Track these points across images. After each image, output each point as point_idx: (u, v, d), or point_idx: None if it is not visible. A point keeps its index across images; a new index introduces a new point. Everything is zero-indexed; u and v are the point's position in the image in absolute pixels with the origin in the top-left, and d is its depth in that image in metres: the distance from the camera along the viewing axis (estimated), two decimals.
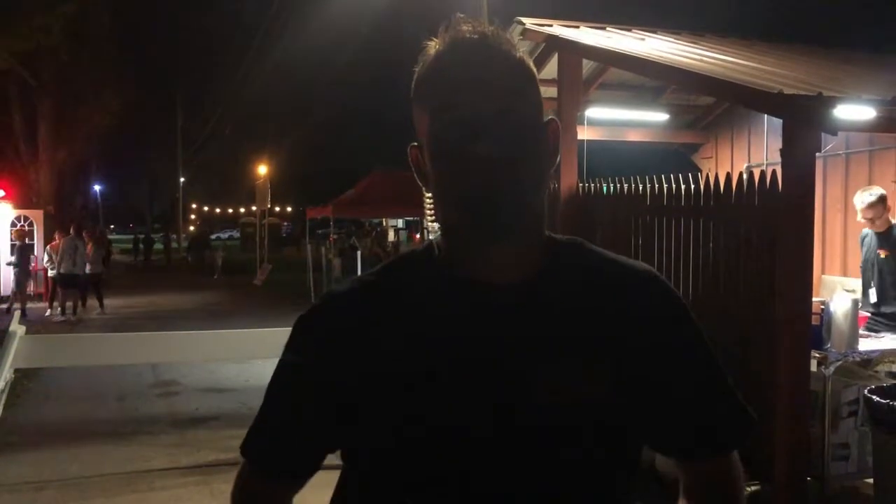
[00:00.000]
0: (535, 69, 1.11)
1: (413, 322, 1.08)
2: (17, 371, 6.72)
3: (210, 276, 24.27)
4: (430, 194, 1.12)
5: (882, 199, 5.42)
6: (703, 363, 1.15)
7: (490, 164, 1.01)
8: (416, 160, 1.13)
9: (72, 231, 15.18)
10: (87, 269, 14.98)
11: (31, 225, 17.63)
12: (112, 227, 39.17)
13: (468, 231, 1.06)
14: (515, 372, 1.03)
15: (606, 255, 1.17)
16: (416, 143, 1.12)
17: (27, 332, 5.99)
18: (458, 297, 1.07)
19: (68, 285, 14.72)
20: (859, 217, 5.58)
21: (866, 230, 5.68)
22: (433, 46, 1.08)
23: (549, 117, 1.12)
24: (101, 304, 15.36)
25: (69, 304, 14.80)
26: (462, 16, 1.09)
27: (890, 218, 5.57)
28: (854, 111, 4.53)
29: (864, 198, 5.46)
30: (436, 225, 1.17)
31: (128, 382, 8.57)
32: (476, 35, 1.06)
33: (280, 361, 1.15)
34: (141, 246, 34.28)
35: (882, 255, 5.49)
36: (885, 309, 5.48)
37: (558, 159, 1.15)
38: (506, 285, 1.07)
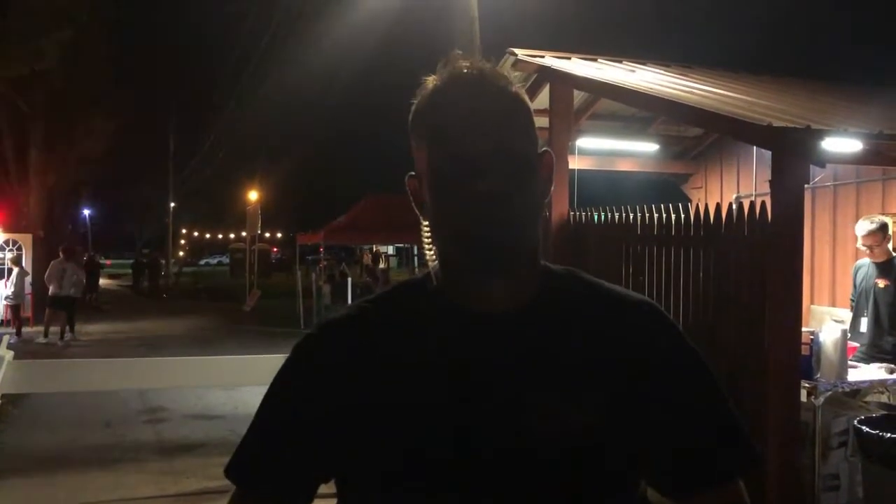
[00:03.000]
0: (530, 104, 1.13)
1: (408, 351, 1.08)
2: (3, 397, 6.65)
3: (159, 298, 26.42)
4: (427, 223, 1.14)
5: (883, 228, 5.41)
6: (705, 392, 1.14)
7: (487, 201, 1.03)
8: (415, 191, 1.15)
9: (60, 255, 15.25)
10: (72, 291, 14.96)
11: (19, 249, 17.55)
12: (108, 255, 39.22)
13: (465, 264, 1.08)
14: (510, 401, 1.04)
15: (602, 285, 1.18)
16: (413, 174, 1.14)
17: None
18: (454, 327, 1.09)
19: (56, 309, 14.73)
20: (859, 243, 5.55)
21: (861, 262, 5.66)
22: (431, 81, 1.10)
23: (544, 149, 1.14)
24: (72, 329, 15.33)
25: (56, 328, 14.76)
26: (460, 52, 1.12)
27: (890, 249, 5.52)
28: (842, 143, 4.59)
29: (865, 225, 5.45)
30: (432, 254, 1.18)
31: (115, 409, 8.48)
32: (474, 71, 1.09)
33: (272, 385, 1.15)
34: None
35: (881, 285, 5.42)
36: (878, 340, 5.42)
37: (551, 189, 1.16)
38: (501, 315, 1.08)
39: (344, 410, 1.07)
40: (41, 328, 15.60)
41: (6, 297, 15.38)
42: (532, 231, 1.09)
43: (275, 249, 50.33)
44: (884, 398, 5.18)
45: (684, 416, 1.11)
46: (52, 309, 14.72)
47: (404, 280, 1.24)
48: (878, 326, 5.45)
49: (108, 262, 44.87)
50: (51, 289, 14.60)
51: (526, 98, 1.12)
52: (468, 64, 1.09)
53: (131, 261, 38.84)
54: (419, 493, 1.04)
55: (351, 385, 1.08)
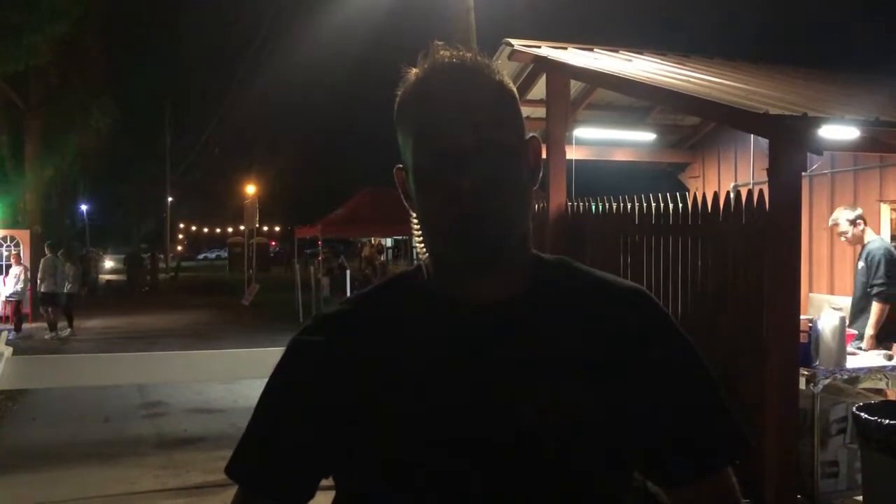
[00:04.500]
0: (515, 91, 1.12)
1: (400, 344, 1.08)
2: (2, 393, 6.66)
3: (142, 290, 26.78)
4: (415, 215, 1.13)
5: (842, 222, 5.89)
6: (695, 380, 1.14)
7: (473, 195, 1.02)
8: (402, 182, 1.14)
9: (47, 251, 15.41)
10: (67, 287, 15.00)
11: (17, 245, 17.53)
12: (106, 249, 39.06)
13: (454, 257, 1.07)
14: (503, 391, 1.04)
15: (593, 274, 1.17)
16: (401, 166, 1.13)
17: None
18: (447, 319, 1.09)
19: (49, 304, 14.81)
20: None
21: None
22: (414, 72, 1.09)
23: (531, 135, 1.13)
24: (70, 324, 15.31)
25: (56, 322, 14.84)
26: (441, 42, 1.10)
27: (863, 235, 5.87)
28: (839, 131, 4.59)
29: (830, 218, 6.13)
30: (422, 246, 1.18)
31: (114, 403, 8.49)
32: (456, 61, 1.07)
33: (269, 381, 1.15)
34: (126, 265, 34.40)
35: (859, 267, 5.83)
36: (859, 315, 5.74)
37: (540, 176, 1.16)
38: (493, 306, 1.08)
39: (340, 405, 1.07)
40: (40, 324, 15.64)
41: (12, 294, 15.40)
42: (520, 222, 1.08)
43: (272, 243, 50.30)
44: (882, 385, 5.19)
45: (675, 404, 1.11)
46: (52, 306, 14.78)
47: (398, 272, 1.23)
48: (857, 302, 5.87)
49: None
50: (44, 286, 14.72)
51: (510, 85, 1.11)
52: (450, 54, 1.08)
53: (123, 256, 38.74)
54: (417, 484, 1.04)
55: (346, 380, 1.08)
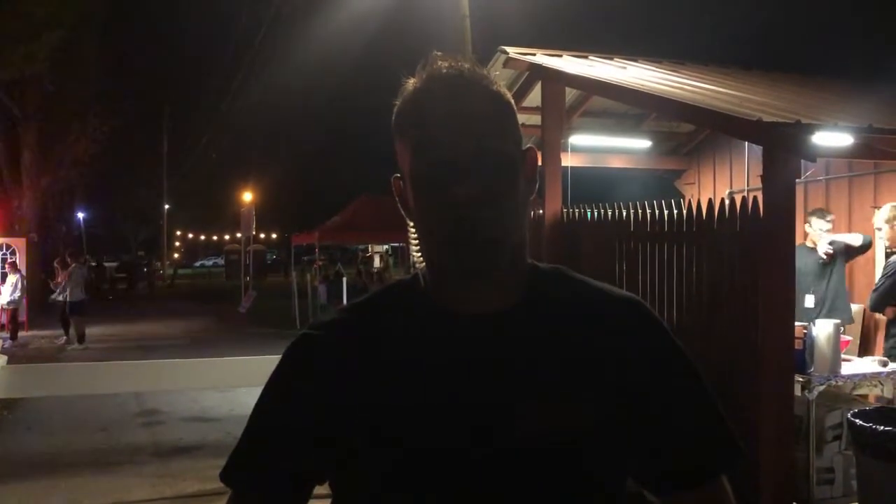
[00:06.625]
0: (513, 101, 1.13)
1: (397, 352, 1.09)
2: None
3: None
4: (412, 224, 1.14)
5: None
6: (689, 389, 1.14)
7: (470, 204, 1.02)
8: (400, 191, 1.15)
9: (70, 261, 15.43)
10: (64, 296, 15.00)
11: (13, 253, 17.51)
12: (103, 257, 39.05)
13: (450, 267, 1.08)
14: (498, 402, 1.04)
15: (589, 284, 1.18)
16: (398, 175, 1.14)
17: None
18: (442, 329, 1.09)
19: (78, 313, 14.93)
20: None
21: None
22: (412, 82, 1.10)
23: (527, 146, 1.14)
24: (66, 332, 15.29)
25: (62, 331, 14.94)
26: (440, 52, 1.11)
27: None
28: (832, 138, 4.60)
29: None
30: (419, 255, 1.18)
31: (111, 412, 8.48)
32: (454, 71, 1.08)
33: (264, 389, 1.16)
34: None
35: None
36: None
37: (537, 186, 1.17)
38: (489, 316, 1.09)
39: (334, 413, 1.08)
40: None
41: (9, 303, 15.37)
42: (516, 232, 1.09)
43: (268, 251, 50.25)
44: (877, 391, 5.20)
45: (669, 414, 1.11)
46: (80, 315, 14.76)
47: (395, 281, 1.24)
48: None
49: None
50: (78, 294, 14.71)
51: (508, 96, 1.12)
52: (448, 64, 1.09)
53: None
54: (409, 493, 1.05)
55: (340, 387, 1.08)
